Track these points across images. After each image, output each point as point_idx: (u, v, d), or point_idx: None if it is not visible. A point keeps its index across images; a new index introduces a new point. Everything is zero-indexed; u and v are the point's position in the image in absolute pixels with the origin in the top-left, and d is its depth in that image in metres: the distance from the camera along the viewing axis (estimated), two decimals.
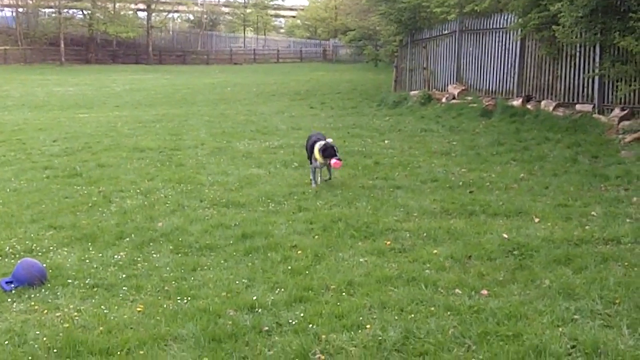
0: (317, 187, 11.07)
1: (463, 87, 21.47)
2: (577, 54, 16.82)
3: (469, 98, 20.44)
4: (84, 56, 65.34)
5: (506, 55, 19.81)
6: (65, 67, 59.08)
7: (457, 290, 6.56)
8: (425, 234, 8.36)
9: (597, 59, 15.98)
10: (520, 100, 18.23)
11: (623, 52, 14.97)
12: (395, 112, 21.19)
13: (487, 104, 18.95)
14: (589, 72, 16.34)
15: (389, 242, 8.12)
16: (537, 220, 8.78)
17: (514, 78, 19.34)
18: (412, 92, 23.66)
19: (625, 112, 14.78)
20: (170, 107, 26.30)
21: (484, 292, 6.49)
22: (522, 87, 18.97)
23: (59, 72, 52.74)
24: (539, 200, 9.79)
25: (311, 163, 11.35)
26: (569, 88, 17.18)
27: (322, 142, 11.02)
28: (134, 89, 36.01)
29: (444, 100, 21.15)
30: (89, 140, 17.36)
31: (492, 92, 20.28)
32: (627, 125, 14.20)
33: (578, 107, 16.37)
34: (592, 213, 8.95)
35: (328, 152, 10.78)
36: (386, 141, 15.88)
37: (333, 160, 10.70)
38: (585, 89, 16.66)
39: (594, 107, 16.01)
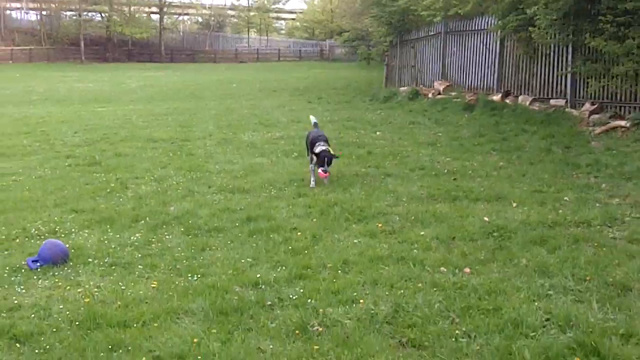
0: (315, 185, 10.22)
1: (448, 84, 21.40)
2: (552, 53, 16.77)
3: (453, 93, 20.38)
4: (102, 55, 64.98)
5: (487, 54, 19.75)
6: (85, 65, 58.79)
7: (442, 269, 6.56)
8: (413, 217, 8.35)
9: (570, 58, 15.92)
10: (500, 95, 18.17)
11: (593, 52, 14.94)
12: (386, 107, 21.12)
13: (469, 99, 18.90)
14: (562, 69, 16.29)
15: (380, 225, 8.11)
16: (515, 204, 8.77)
17: (494, 75, 19.28)
18: (402, 88, 23.59)
19: (595, 106, 14.75)
20: (181, 102, 26.19)
21: (467, 270, 6.49)
22: (502, 84, 18.93)
23: (79, 70, 52.46)
24: (516, 186, 9.78)
25: (311, 161, 10.60)
26: (544, 84, 17.15)
27: (323, 148, 10.17)
28: (148, 85, 35.87)
29: (430, 95, 21.09)
30: (107, 132, 17.29)
31: (474, 88, 20.22)
32: (596, 118, 14.18)
33: (552, 101, 16.34)
34: (565, 198, 8.94)
35: (321, 159, 10.05)
36: (378, 133, 15.84)
37: (320, 169, 10.05)
38: (559, 85, 16.63)
39: (566, 102, 15.98)
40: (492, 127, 15.18)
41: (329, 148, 10.25)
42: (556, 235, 7.37)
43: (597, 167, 10.62)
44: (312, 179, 10.35)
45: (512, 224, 7.83)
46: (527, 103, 16.82)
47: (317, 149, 10.05)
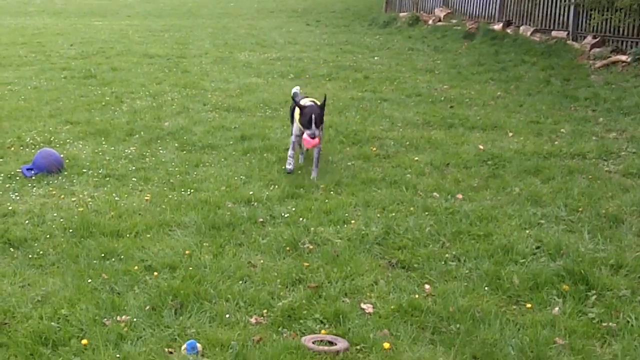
0: (291, 168, 7.10)
1: (449, 11, 20.98)
2: None
3: (454, 21, 20.02)
4: None
5: None
6: None
7: (434, 194, 6.54)
8: (408, 143, 8.29)
9: None
10: (501, 24, 17.85)
11: None
12: (385, 32, 20.77)
13: (470, 27, 18.57)
14: (565, 1, 15.98)
15: (374, 149, 8.06)
16: (510, 134, 8.71)
17: (496, 4, 18.89)
18: (402, 14, 23.14)
19: (597, 39, 14.52)
20: (178, 19, 25.71)
21: (459, 196, 6.48)
22: (503, 13, 18.58)
23: None
24: (513, 116, 9.69)
25: (292, 126, 7.46)
26: (546, 15, 16.83)
27: (311, 103, 7.03)
28: (145, 1, 35.13)
29: (430, 22, 20.71)
30: (103, 46, 17.05)
31: (475, 16, 19.85)
32: (597, 52, 13.97)
33: (554, 33, 16.06)
34: (562, 130, 8.88)
35: (307, 117, 6.77)
36: (375, 58, 15.62)
37: (306, 133, 6.81)
38: (561, 17, 16.32)
39: (568, 34, 15.71)
40: (492, 57, 14.96)
41: (316, 102, 7.16)
42: (551, 166, 7.33)
43: (595, 100, 10.51)
44: (289, 156, 7.15)
45: (506, 153, 7.79)
46: (528, 34, 16.55)
47: (303, 102, 7.05)
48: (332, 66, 14.20)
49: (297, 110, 7.03)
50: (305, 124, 6.78)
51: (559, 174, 7.07)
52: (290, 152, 7.18)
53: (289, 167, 7.09)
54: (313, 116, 6.72)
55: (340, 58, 15.45)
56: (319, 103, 7.03)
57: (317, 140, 6.80)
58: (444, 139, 8.47)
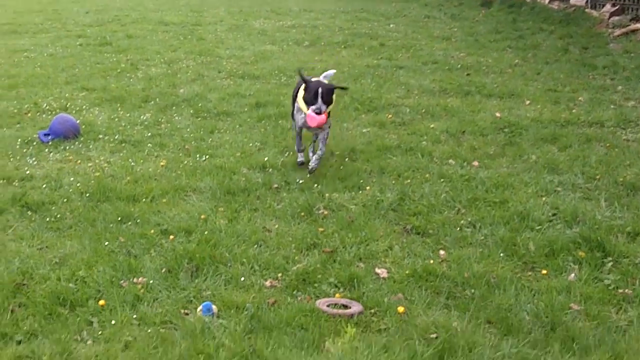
0: (302, 160, 6.34)
1: None
2: None
3: None
4: None
5: None
6: None
7: (450, 161, 6.50)
8: (423, 110, 8.23)
9: None
10: None
11: None
12: None
13: None
14: None
15: (390, 116, 8.01)
16: (527, 102, 8.63)
17: None
18: None
19: (616, 8, 14.32)
20: None
21: (475, 163, 6.43)
22: None
23: None
24: (530, 84, 9.59)
25: (293, 118, 6.43)
26: None
27: (318, 78, 6.25)
28: None
29: None
30: (118, 14, 17.02)
31: None
32: (616, 20, 13.78)
33: (572, 1, 15.87)
34: (579, 98, 8.77)
35: (311, 92, 5.81)
36: (391, 25, 15.47)
37: (309, 109, 5.79)
38: None
39: (586, 2, 15.51)
40: (509, 25, 14.78)
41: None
42: (568, 134, 7.25)
43: (614, 69, 10.36)
44: (297, 147, 6.41)
45: (523, 121, 7.71)
46: (547, 1, 16.36)
47: (308, 78, 6.06)
48: (347, 34, 14.09)
49: (302, 89, 6.00)
50: (310, 99, 5.81)
51: (576, 142, 7.00)
52: (297, 142, 6.34)
53: (299, 159, 6.35)
54: (320, 90, 5.77)
55: (356, 25, 15.33)
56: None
57: (323, 117, 5.77)
58: (460, 107, 8.39)
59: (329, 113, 5.96)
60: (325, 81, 6.18)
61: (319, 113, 5.74)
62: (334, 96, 5.95)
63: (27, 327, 3.77)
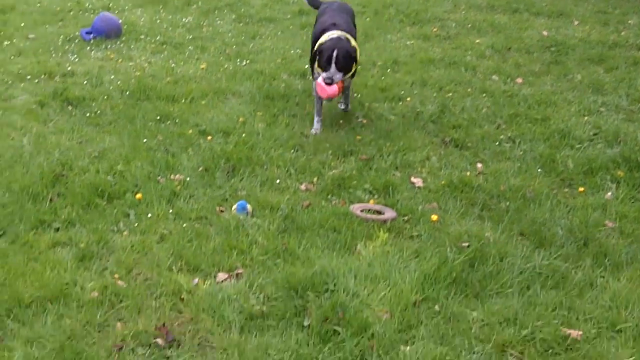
0: (319, 128, 5.05)
1: None
2: None
3: None
4: None
5: None
6: None
7: (494, 77, 6.36)
8: (470, 25, 8.02)
9: None
10: None
11: None
12: None
13: None
14: None
15: (435, 29, 7.82)
16: (576, 22, 8.33)
17: None
18: None
19: None
20: None
21: (519, 80, 6.28)
22: None
23: None
24: (580, 5, 9.23)
25: (313, 73, 5.22)
26: None
27: (334, 36, 4.88)
28: None
29: None
30: None
31: None
32: None
33: None
34: (629, 22, 8.44)
35: (325, 57, 4.73)
36: None
37: (322, 76, 4.73)
38: None
39: None
40: None
41: (348, 38, 4.94)
42: (615, 56, 7.02)
43: None
44: (315, 113, 5.11)
45: (571, 41, 7.47)
46: None
47: (323, 38, 4.91)
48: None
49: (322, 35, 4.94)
50: (323, 63, 4.75)
51: (623, 64, 6.77)
52: (316, 107, 5.08)
53: (315, 128, 5.07)
54: (335, 52, 4.69)
55: None
56: (352, 42, 4.93)
57: (335, 89, 4.70)
58: (508, 23, 8.15)
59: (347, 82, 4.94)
60: (349, 37, 4.92)
61: (330, 83, 4.71)
62: (355, 64, 4.88)
63: (65, 216, 3.84)
